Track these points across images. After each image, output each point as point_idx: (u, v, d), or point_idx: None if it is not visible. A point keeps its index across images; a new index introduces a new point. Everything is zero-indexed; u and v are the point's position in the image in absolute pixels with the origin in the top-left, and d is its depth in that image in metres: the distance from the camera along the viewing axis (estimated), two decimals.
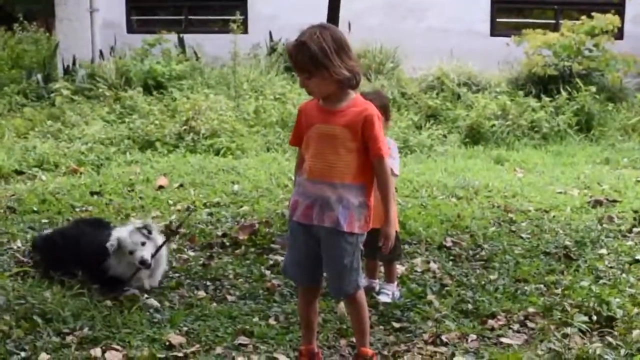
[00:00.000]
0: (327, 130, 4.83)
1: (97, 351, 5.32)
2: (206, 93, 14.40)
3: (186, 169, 11.01)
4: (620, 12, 16.58)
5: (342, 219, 4.82)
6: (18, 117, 14.60)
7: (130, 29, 19.24)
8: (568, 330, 5.65)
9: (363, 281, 5.15)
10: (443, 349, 5.53)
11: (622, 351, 5.33)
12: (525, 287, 6.72)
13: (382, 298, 6.41)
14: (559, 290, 6.61)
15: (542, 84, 15.44)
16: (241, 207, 9.19)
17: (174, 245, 7.72)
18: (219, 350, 5.45)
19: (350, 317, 5.28)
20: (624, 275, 7.03)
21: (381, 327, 5.94)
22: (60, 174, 11.08)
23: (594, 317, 5.90)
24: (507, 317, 6.11)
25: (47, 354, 5.25)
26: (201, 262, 7.38)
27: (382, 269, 6.75)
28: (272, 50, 17.33)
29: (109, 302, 6.22)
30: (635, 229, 8.49)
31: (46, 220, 8.66)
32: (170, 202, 9.44)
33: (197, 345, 5.50)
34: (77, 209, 9.09)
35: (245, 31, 17.55)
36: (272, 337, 5.67)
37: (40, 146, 12.16)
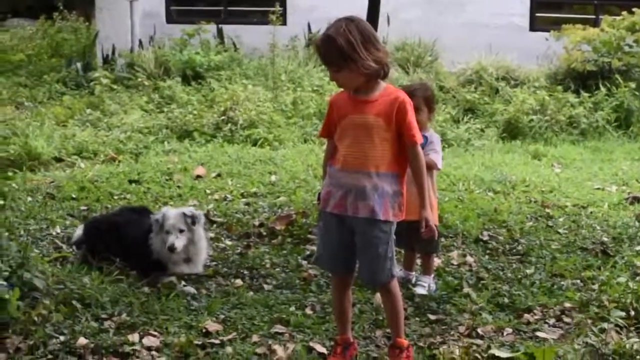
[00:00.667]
0: (361, 121, 4.84)
1: (134, 336, 5.37)
2: (244, 84, 14.43)
3: (224, 159, 11.05)
4: None
5: (378, 208, 4.83)
6: (57, 105, 14.71)
7: (170, 19, 19.31)
8: (605, 325, 5.64)
9: (398, 271, 5.23)
10: (479, 341, 5.52)
11: None
12: (562, 282, 6.71)
13: (419, 290, 6.42)
14: (595, 286, 6.57)
15: (581, 80, 15.35)
16: (278, 197, 9.22)
17: (211, 234, 7.76)
18: (255, 338, 5.47)
19: (385, 307, 5.26)
20: None
21: (417, 318, 5.94)
22: (99, 162, 11.16)
23: (632, 313, 5.87)
24: (543, 312, 6.09)
25: (86, 338, 5.30)
26: (238, 251, 7.44)
27: (419, 261, 6.76)
28: (311, 42, 17.32)
29: (146, 289, 6.29)
30: None
31: (85, 208, 8.74)
32: (208, 191, 9.48)
33: (234, 333, 5.53)
34: (116, 197, 9.16)
35: (284, 23, 17.59)
36: (308, 326, 5.70)
37: (80, 134, 12.25)
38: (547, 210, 9.03)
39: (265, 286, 6.55)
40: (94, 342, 5.27)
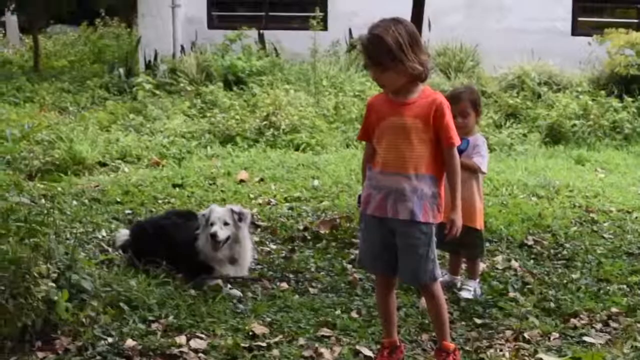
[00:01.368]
0: (399, 123, 4.86)
1: (182, 339, 5.40)
2: (286, 89, 14.48)
3: (266, 164, 11.09)
4: None
5: (417, 210, 4.85)
6: (101, 110, 14.83)
7: (211, 25, 19.39)
8: None
9: (440, 273, 5.18)
10: (525, 346, 5.51)
11: None
12: (608, 287, 6.68)
13: (464, 294, 6.40)
14: None
15: (624, 84, 15.23)
16: (321, 202, 9.24)
17: (255, 238, 7.78)
18: (301, 341, 5.49)
19: (429, 310, 5.28)
20: None
21: (463, 322, 5.94)
22: (143, 166, 11.24)
23: None
24: (589, 316, 6.06)
25: (134, 340, 5.34)
26: (283, 254, 7.47)
27: (464, 265, 6.74)
28: (352, 47, 17.32)
29: (193, 292, 6.32)
30: None
31: (129, 211, 8.79)
32: (251, 195, 9.52)
33: (280, 336, 5.55)
34: (160, 201, 9.22)
35: (325, 28, 17.62)
36: (355, 329, 5.70)
37: (123, 139, 12.34)
38: (592, 215, 8.99)
39: (311, 289, 6.57)
40: (141, 344, 5.30)
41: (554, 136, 13.65)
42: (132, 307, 5.85)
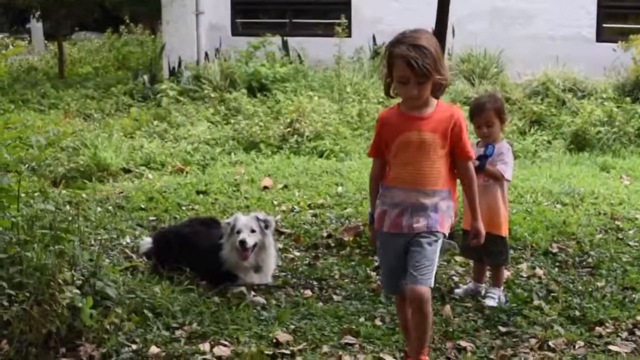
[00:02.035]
0: (418, 138, 4.81)
1: (205, 346, 5.43)
2: (310, 96, 14.48)
3: (290, 171, 11.08)
4: None
5: (434, 222, 4.85)
6: (125, 117, 14.90)
7: (235, 32, 19.44)
8: None
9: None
10: (550, 354, 5.49)
11: None
12: (634, 295, 6.63)
13: (488, 302, 6.38)
14: None
15: None
16: (345, 209, 9.22)
17: (279, 245, 7.79)
18: (325, 349, 5.49)
19: (413, 317, 4.99)
20: None
21: (487, 330, 5.92)
22: (167, 173, 11.27)
23: None
24: (615, 325, 6.03)
25: (157, 347, 5.36)
26: (307, 261, 7.48)
27: (488, 273, 6.72)
28: (376, 54, 17.31)
29: (217, 299, 6.34)
30: None
31: (153, 218, 8.83)
32: (275, 202, 9.51)
33: (304, 344, 5.56)
34: (184, 207, 9.24)
35: (349, 35, 17.61)
36: (378, 337, 5.71)
37: (147, 145, 12.38)
38: (617, 222, 8.92)
39: (335, 297, 6.57)
40: (165, 350, 5.34)
41: (579, 143, 13.57)
42: (156, 314, 5.87)
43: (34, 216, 5.90)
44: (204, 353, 5.32)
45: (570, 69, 15.84)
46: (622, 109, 14.21)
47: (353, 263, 7.39)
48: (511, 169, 6.42)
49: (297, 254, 7.74)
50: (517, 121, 14.18)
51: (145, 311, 5.84)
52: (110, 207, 9.11)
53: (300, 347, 5.49)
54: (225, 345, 5.47)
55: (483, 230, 5.03)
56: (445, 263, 7.26)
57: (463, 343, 5.65)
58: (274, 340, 5.58)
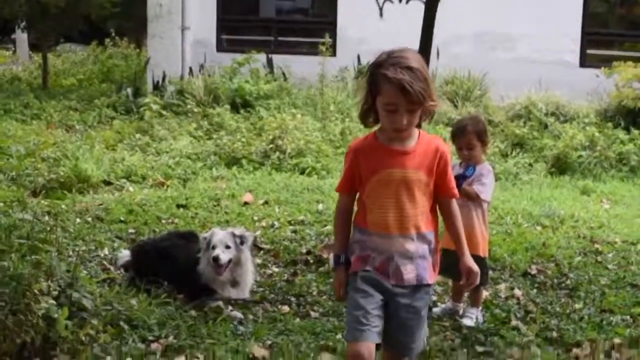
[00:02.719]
0: (401, 176, 4.25)
1: (181, 359, 5.39)
2: (293, 113, 14.46)
3: (271, 187, 11.06)
4: None
5: (424, 272, 4.35)
6: (107, 129, 14.87)
7: (220, 48, 19.43)
8: None
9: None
10: None
11: None
12: (611, 318, 6.64)
13: (466, 321, 6.38)
14: None
15: (632, 117, 15.19)
16: (325, 226, 9.20)
17: (258, 261, 7.77)
18: None
19: None
20: None
21: (464, 350, 5.90)
22: (147, 186, 11.22)
23: None
24: (592, 347, 6.02)
25: None
26: (285, 277, 7.46)
27: (467, 293, 6.71)
28: (360, 73, 17.32)
29: (193, 313, 6.32)
30: None
31: (132, 231, 8.79)
32: (255, 218, 9.49)
33: (281, 359, 5.53)
34: (163, 221, 9.20)
35: (334, 54, 17.64)
36: None
37: (129, 158, 12.33)
38: (596, 245, 8.94)
39: (312, 313, 6.56)
40: None
41: (560, 166, 13.62)
42: (132, 326, 5.85)
43: (12, 225, 5.85)
44: None
45: (553, 93, 15.91)
46: (604, 134, 14.29)
47: (331, 280, 7.35)
48: (490, 190, 6.41)
49: (276, 269, 7.72)
50: (499, 143, 14.22)
51: (122, 323, 5.82)
52: (89, 219, 9.07)
53: None
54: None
55: (475, 267, 4.47)
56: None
57: None
58: (250, 356, 5.57)
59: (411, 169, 4.26)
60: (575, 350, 5.93)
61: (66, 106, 17.07)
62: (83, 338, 5.40)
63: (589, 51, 18.22)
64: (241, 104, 15.80)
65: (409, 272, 4.32)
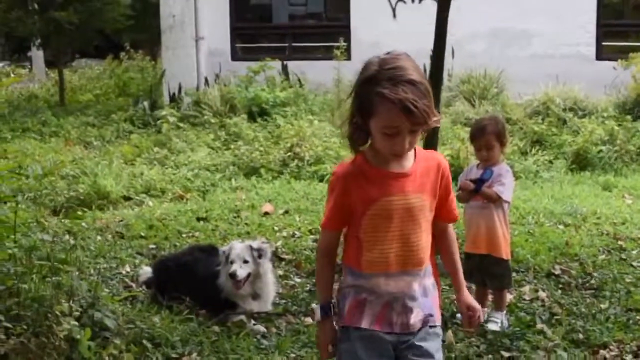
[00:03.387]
0: (403, 203, 3.57)
1: None
2: (310, 120, 14.46)
3: (291, 196, 11.04)
4: None
5: (429, 311, 3.70)
6: (125, 143, 14.89)
7: (235, 57, 19.43)
8: None
9: None
10: None
11: None
12: (638, 317, 6.58)
13: (491, 326, 6.32)
14: None
15: None
16: None
17: (280, 272, 7.74)
18: None
19: None
20: None
21: (490, 356, 5.87)
22: (167, 200, 11.22)
23: None
24: (619, 348, 5.98)
25: None
26: (307, 288, 7.41)
27: (491, 297, 6.66)
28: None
29: (216, 328, 6.29)
30: None
31: (153, 246, 8.78)
32: (276, 228, 9.46)
33: None
34: (184, 235, 9.19)
35: (349, 58, 17.60)
36: None
37: (147, 172, 12.34)
38: (620, 242, 8.86)
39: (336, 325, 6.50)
40: None
41: (580, 162, 13.52)
42: (155, 344, 5.84)
43: (32, 247, 5.86)
44: None
45: (570, 88, 15.82)
46: (623, 127, 14.18)
47: None
48: (510, 190, 6.36)
49: (298, 280, 7.69)
50: (518, 141, 14.13)
51: (144, 342, 5.80)
52: (109, 236, 9.07)
53: None
54: None
55: (476, 304, 3.88)
56: (447, 287, 7.21)
57: None
58: None
59: (413, 194, 3.58)
60: (602, 352, 5.88)
61: (84, 122, 17.11)
62: (106, 358, 5.40)
63: (605, 43, 18.10)
64: (258, 112, 15.81)
65: (415, 315, 3.64)
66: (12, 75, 24.57)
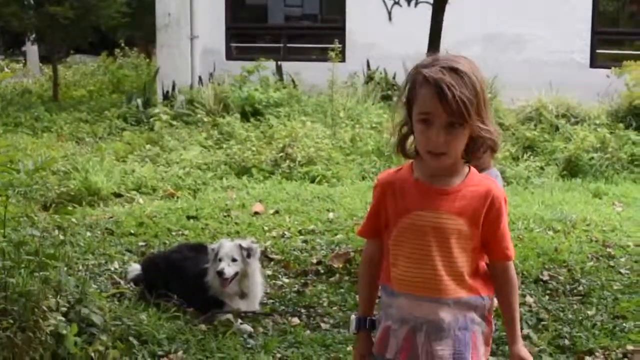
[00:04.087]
0: (433, 221, 3.29)
1: None
2: (303, 120, 14.47)
3: (281, 196, 11.04)
4: None
5: (464, 348, 3.35)
6: (118, 140, 14.88)
7: (230, 56, 19.44)
8: None
9: None
10: None
11: None
12: (624, 324, 6.58)
13: None
14: None
15: None
16: (336, 235, 9.18)
17: (268, 272, 7.75)
18: None
19: None
20: None
21: None
22: (158, 198, 11.22)
23: None
24: (605, 354, 5.99)
25: None
26: (295, 288, 7.42)
27: None
28: (369, 79, 17.32)
29: (203, 327, 6.29)
30: None
31: (143, 243, 8.77)
32: (266, 228, 9.46)
33: None
34: (174, 233, 9.19)
35: (343, 59, 17.59)
36: None
37: (139, 170, 12.34)
38: (609, 249, 8.88)
39: (323, 325, 6.52)
40: None
41: (572, 169, 13.54)
42: (141, 341, 5.83)
43: (21, 241, 5.85)
44: None
45: (563, 95, 15.83)
46: (615, 135, 14.20)
47: (342, 290, 7.34)
48: None
49: (286, 280, 7.69)
50: (510, 147, 14.15)
51: (131, 338, 5.79)
52: (99, 232, 9.07)
53: None
54: None
55: (529, 356, 3.55)
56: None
57: None
58: None
59: (447, 214, 3.29)
60: (587, 358, 5.90)
61: (77, 118, 17.09)
62: (92, 354, 5.38)
63: (599, 51, 18.13)
64: (251, 112, 15.80)
65: (443, 349, 3.33)
66: (6, 69, 24.50)
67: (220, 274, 6.46)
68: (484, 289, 3.42)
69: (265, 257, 7.94)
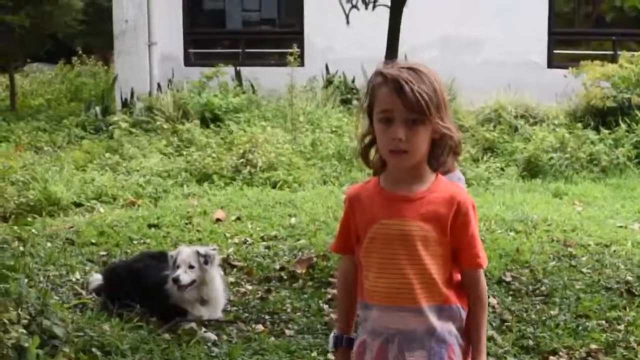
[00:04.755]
0: (397, 229, 3.27)
1: None
2: (263, 126, 14.42)
3: (243, 202, 11.00)
4: None
5: (438, 358, 3.28)
6: (77, 149, 14.77)
7: (188, 62, 19.36)
8: None
9: None
10: None
11: None
12: (587, 323, 6.63)
13: None
14: (621, 327, 6.52)
15: (600, 116, 15.19)
16: (298, 240, 9.16)
17: (231, 279, 7.73)
18: None
19: None
20: None
21: None
22: (118, 207, 11.14)
23: None
24: (568, 354, 6.03)
25: None
26: (259, 295, 7.40)
27: None
28: (329, 83, 17.32)
29: (167, 336, 6.27)
30: None
31: (104, 253, 8.72)
32: (228, 235, 9.43)
33: None
34: (135, 242, 9.14)
35: (302, 64, 17.59)
36: None
37: (99, 178, 12.24)
38: (570, 249, 8.92)
39: (287, 331, 6.51)
40: None
41: (531, 170, 13.61)
42: (104, 352, 5.79)
43: None
44: None
45: (522, 96, 15.91)
46: (574, 135, 14.28)
47: (306, 296, 7.33)
48: None
49: (249, 287, 7.66)
50: (470, 148, 14.19)
51: (94, 350, 5.76)
52: (60, 243, 8.99)
53: None
54: None
55: None
56: None
57: None
58: None
59: (412, 221, 3.26)
60: (552, 358, 5.93)
61: (35, 127, 16.94)
62: None
63: (556, 51, 18.26)
64: (211, 118, 15.73)
65: (416, 359, 3.28)
66: None
67: (175, 280, 6.43)
68: (459, 299, 3.35)
69: (227, 264, 7.92)
